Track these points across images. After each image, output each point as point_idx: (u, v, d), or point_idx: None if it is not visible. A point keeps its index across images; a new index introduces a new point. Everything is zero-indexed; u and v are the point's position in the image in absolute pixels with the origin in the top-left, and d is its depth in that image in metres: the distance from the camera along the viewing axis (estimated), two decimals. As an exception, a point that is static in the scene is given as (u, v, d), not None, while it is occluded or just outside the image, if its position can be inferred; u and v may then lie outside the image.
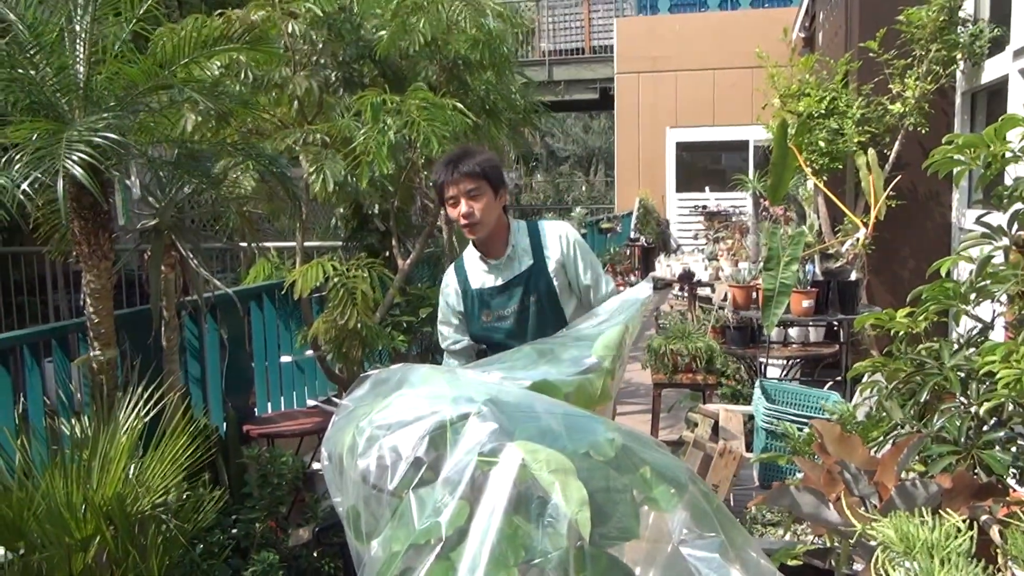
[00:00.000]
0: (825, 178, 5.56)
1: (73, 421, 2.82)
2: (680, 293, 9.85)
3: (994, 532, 1.92)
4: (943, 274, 2.58)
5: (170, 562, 2.60)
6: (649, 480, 1.64)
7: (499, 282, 2.83)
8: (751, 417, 4.11)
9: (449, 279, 2.98)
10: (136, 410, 2.75)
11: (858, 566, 2.51)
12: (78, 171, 2.50)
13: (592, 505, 1.52)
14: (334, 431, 2.07)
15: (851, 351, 5.16)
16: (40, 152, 2.53)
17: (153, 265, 3.22)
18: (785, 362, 5.71)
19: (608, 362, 2.26)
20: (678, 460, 1.80)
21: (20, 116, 2.72)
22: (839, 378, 5.13)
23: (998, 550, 1.82)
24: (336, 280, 3.78)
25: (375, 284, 3.87)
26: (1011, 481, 2.26)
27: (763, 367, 5.27)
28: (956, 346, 2.48)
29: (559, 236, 2.88)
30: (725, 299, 5.75)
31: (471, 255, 2.90)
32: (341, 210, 4.98)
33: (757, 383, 4.09)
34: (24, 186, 2.53)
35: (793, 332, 5.61)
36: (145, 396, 2.80)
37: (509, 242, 2.83)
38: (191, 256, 3.31)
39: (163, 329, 3.27)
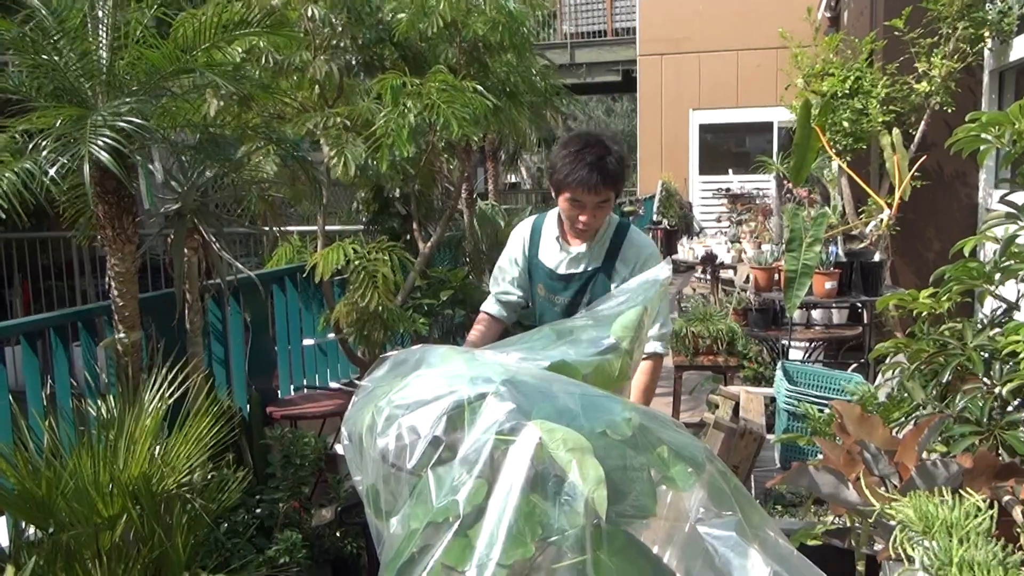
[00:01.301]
0: (849, 159, 5.50)
1: (99, 402, 2.87)
2: (703, 276, 9.82)
3: (1016, 512, 1.91)
4: (967, 254, 2.55)
5: (195, 540, 2.64)
6: (666, 459, 1.64)
7: (562, 270, 2.76)
8: (772, 399, 4.10)
9: (523, 232, 2.86)
10: (161, 391, 2.79)
11: (878, 546, 2.50)
12: (104, 156, 2.52)
13: (609, 483, 1.52)
14: (354, 411, 2.09)
15: (875, 333, 5.12)
16: (65, 138, 2.57)
17: (176, 248, 3.25)
18: (808, 344, 5.67)
19: (627, 343, 2.26)
20: (696, 439, 1.80)
21: (44, 102, 2.75)
22: (862, 360, 5.09)
23: (1020, 530, 1.81)
24: (357, 263, 3.81)
25: (396, 267, 3.89)
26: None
27: (785, 349, 5.24)
28: (980, 326, 2.46)
29: (638, 262, 2.73)
30: (747, 281, 5.72)
31: (550, 226, 2.79)
32: (362, 194, 4.99)
33: (779, 365, 4.07)
34: (52, 171, 2.57)
35: (816, 314, 5.57)
36: (169, 378, 2.84)
37: (595, 239, 2.73)
38: (214, 240, 3.34)
39: (187, 312, 3.31)
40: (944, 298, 2.58)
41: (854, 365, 4.94)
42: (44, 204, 2.71)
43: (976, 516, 1.62)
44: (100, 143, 2.52)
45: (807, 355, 5.67)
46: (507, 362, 1.95)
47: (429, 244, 4.72)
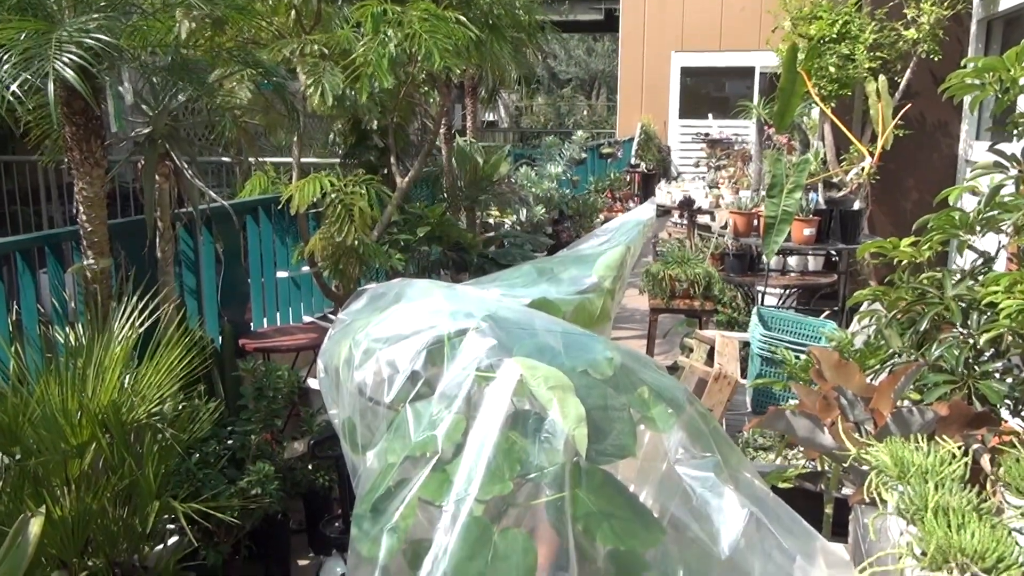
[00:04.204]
0: (833, 105, 5.46)
1: (67, 329, 2.81)
2: (679, 221, 9.80)
3: (984, 460, 1.93)
4: (950, 203, 2.54)
5: (166, 470, 2.62)
6: (647, 400, 1.63)
7: None
8: (746, 344, 4.12)
9: None
10: (131, 320, 2.73)
11: (847, 490, 2.54)
12: (69, 74, 2.42)
13: (589, 422, 1.51)
14: (330, 344, 2.06)
15: (849, 282, 5.15)
16: (29, 52, 2.45)
17: (147, 174, 3.16)
18: (782, 291, 5.70)
19: (609, 282, 2.24)
20: (676, 381, 1.80)
21: (8, 15, 2.62)
22: (835, 308, 5.13)
23: (988, 478, 1.83)
24: (334, 196, 3.73)
25: (373, 201, 3.82)
26: (1004, 412, 2.27)
27: (761, 295, 5.26)
28: (959, 276, 2.46)
29: None
30: (725, 226, 5.70)
31: None
32: (339, 125, 4.88)
33: (754, 310, 4.09)
34: (14, 87, 2.46)
35: (792, 261, 5.59)
36: (140, 306, 2.78)
37: None
38: (186, 166, 3.25)
39: (158, 240, 3.23)
40: (925, 247, 2.58)
41: (827, 312, 4.97)
42: (9, 125, 2.60)
43: (951, 463, 1.62)
44: (66, 59, 2.42)
45: (781, 302, 5.70)
46: (488, 298, 1.92)
47: (407, 179, 4.65)
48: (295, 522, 3.68)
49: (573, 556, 1.42)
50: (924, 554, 1.33)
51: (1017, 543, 1.31)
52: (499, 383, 1.52)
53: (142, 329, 2.76)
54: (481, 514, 1.43)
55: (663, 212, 12.59)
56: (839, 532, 2.30)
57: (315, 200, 3.72)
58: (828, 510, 2.49)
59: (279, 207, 4.19)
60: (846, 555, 1.89)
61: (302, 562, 3.55)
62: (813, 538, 1.72)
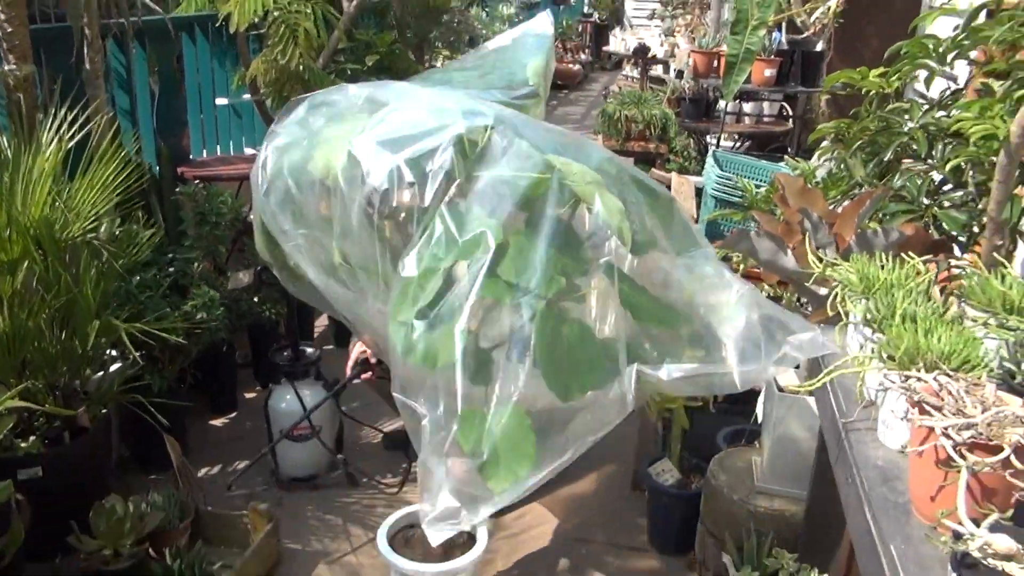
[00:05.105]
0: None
1: (-10, 141, 2.61)
2: (631, 74, 9.56)
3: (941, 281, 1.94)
4: (925, 31, 2.46)
5: (105, 291, 2.51)
6: (650, 189, 1.66)
7: None
8: (699, 191, 4.08)
9: None
10: (59, 132, 2.55)
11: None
12: None
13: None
14: (279, 154, 1.93)
15: (804, 130, 5.10)
16: None
17: (70, -23, 2.88)
18: (736, 140, 5.65)
19: (542, 89, 2.21)
20: (655, 181, 1.80)
21: None
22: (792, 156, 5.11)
23: (950, 294, 1.84)
24: (277, 15, 3.48)
25: (319, 23, 3.58)
26: (956, 251, 2.28)
27: (717, 140, 5.20)
28: (926, 107, 2.42)
29: None
30: (681, 74, 5.56)
31: None
32: (280, -58, 4.51)
33: (710, 152, 4.04)
34: None
35: (748, 107, 5.51)
36: (69, 119, 2.59)
37: None
38: (113, -30, 2.97)
39: (85, 50, 2.98)
40: (894, 77, 2.52)
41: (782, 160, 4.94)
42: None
43: (915, 277, 1.63)
44: None
45: (734, 150, 5.66)
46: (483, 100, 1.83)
47: (355, 2, 4.36)
48: (241, 355, 3.63)
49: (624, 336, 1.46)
50: (891, 358, 1.34)
51: (981, 345, 1.32)
52: (545, 183, 1.47)
53: (72, 143, 2.58)
54: (545, 308, 1.44)
55: (615, 64, 12.31)
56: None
57: (256, 20, 3.47)
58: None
59: (217, 25, 3.91)
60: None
61: (249, 395, 3.54)
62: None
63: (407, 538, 2.30)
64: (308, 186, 1.71)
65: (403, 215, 1.57)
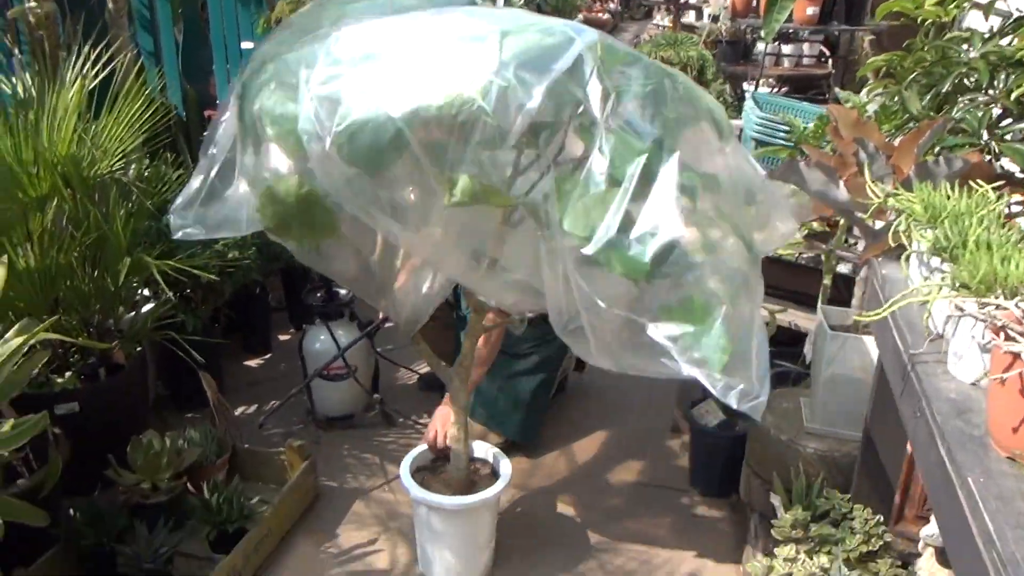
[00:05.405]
0: None
1: (14, 79, 2.56)
2: (662, 23, 9.32)
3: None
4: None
5: (135, 229, 2.47)
6: None
7: None
8: (738, 133, 3.96)
9: None
10: (84, 69, 2.49)
11: (843, 268, 2.48)
12: None
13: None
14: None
15: (847, 71, 4.93)
16: None
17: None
18: (773, 84, 5.48)
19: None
20: None
21: None
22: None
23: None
24: (302, -49, 3.39)
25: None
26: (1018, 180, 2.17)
27: (756, 83, 5.03)
28: (987, 35, 2.29)
29: None
30: (716, 18, 5.39)
31: None
32: None
33: (749, 94, 3.90)
34: None
35: (787, 48, 5.32)
36: (93, 56, 2.52)
37: None
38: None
39: (108, -13, 2.91)
40: (952, 5, 2.39)
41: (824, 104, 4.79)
42: None
43: (986, 205, 1.53)
44: None
45: (772, 95, 5.49)
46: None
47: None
48: (274, 299, 3.60)
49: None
50: (965, 286, 1.26)
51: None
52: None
53: (97, 80, 2.53)
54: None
55: (645, 13, 12.01)
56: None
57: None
58: (826, 281, 2.45)
59: (242, -36, 3.82)
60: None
61: (283, 336, 3.51)
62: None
63: (434, 470, 2.28)
64: (421, 124, 1.49)
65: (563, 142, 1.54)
